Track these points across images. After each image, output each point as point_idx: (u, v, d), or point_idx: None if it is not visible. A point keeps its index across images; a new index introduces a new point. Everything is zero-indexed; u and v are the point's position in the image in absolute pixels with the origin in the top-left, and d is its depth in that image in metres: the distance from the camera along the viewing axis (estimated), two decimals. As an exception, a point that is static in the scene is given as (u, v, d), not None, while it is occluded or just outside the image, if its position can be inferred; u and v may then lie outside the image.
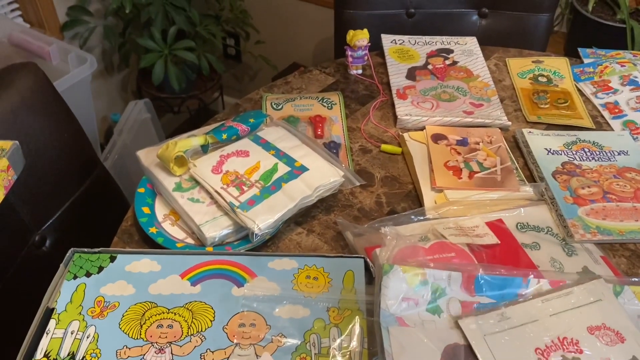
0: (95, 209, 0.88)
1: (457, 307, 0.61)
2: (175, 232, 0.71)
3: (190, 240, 0.70)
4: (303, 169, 0.73)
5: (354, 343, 0.58)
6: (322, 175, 0.72)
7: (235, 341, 0.58)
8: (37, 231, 0.80)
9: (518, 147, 0.88)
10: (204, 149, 0.76)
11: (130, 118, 1.60)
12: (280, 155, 0.75)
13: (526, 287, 0.62)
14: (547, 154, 0.85)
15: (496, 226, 0.73)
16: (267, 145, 0.77)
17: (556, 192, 0.78)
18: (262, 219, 0.67)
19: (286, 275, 0.64)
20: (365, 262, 0.65)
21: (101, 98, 1.84)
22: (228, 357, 0.56)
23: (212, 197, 0.71)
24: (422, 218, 0.74)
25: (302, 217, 0.74)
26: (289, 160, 0.74)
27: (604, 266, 0.70)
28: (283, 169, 0.73)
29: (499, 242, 0.71)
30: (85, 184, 0.87)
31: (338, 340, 0.58)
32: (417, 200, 0.78)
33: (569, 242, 0.73)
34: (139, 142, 1.61)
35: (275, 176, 0.72)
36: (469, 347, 0.57)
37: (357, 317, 0.60)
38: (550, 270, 0.69)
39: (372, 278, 0.64)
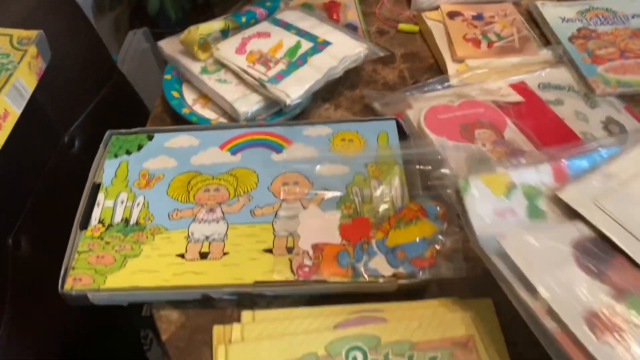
0: (119, 114, 0.89)
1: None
2: (207, 114, 0.72)
3: (222, 120, 0.71)
4: (326, 43, 0.75)
5: (395, 190, 0.61)
6: (346, 48, 0.74)
7: (281, 198, 0.60)
8: (65, 132, 0.81)
9: (532, 19, 0.89)
10: (224, 34, 0.77)
11: (131, 48, 1.59)
12: (302, 33, 0.76)
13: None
14: (562, 22, 0.86)
15: (519, 87, 0.76)
16: (287, 26, 0.78)
17: (574, 54, 0.80)
18: (292, 90, 0.69)
19: (322, 141, 0.66)
20: (398, 122, 0.67)
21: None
22: (277, 211, 0.59)
23: (238, 78, 0.73)
24: (446, 85, 0.76)
25: (328, 93, 0.76)
26: (311, 37, 0.76)
27: (627, 115, 0.73)
28: (306, 45, 0.74)
29: (524, 99, 0.73)
30: (105, 88, 0.88)
31: (379, 189, 0.61)
32: (439, 73, 0.80)
33: (591, 96, 0.75)
34: (142, 72, 1.61)
35: (300, 52, 0.74)
36: (597, 234, 0.48)
37: (394, 168, 0.62)
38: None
39: (404, 136, 0.66)
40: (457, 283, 0.55)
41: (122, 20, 1.93)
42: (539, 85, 0.76)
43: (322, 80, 0.71)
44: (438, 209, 0.57)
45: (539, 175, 0.53)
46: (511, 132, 0.66)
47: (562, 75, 0.78)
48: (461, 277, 0.55)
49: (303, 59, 0.72)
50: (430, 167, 0.62)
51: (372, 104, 0.73)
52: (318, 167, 0.63)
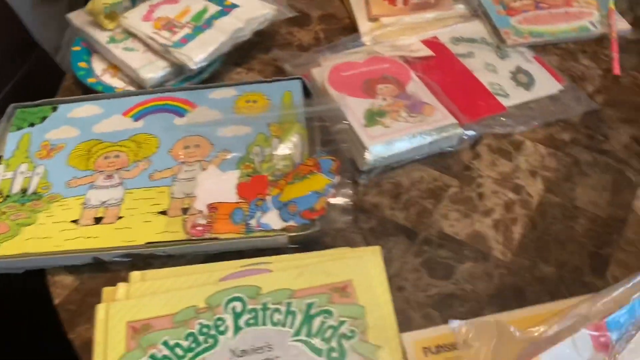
0: (43, 91, 0.88)
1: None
2: (116, 82, 0.72)
3: (130, 88, 0.71)
4: (233, 6, 0.74)
5: (295, 147, 0.61)
6: (253, 9, 0.73)
7: (180, 160, 0.61)
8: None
9: (453, -25, 0.89)
10: (133, 2, 0.76)
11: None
12: (209, -3, 0.76)
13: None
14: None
15: (431, 42, 0.76)
16: (196, -9, 0.77)
17: (489, 7, 0.80)
18: (196, 53, 0.68)
19: (226, 103, 0.66)
20: (303, 82, 0.67)
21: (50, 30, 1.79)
22: (176, 174, 0.59)
23: (146, 46, 0.72)
24: (359, 43, 0.76)
25: (241, 57, 0.76)
26: (219, 1, 0.75)
27: (537, 64, 0.73)
28: (213, 8, 0.74)
29: (434, 54, 0.73)
30: (25, 65, 0.87)
31: (280, 148, 0.61)
32: (354, 33, 0.80)
33: (502, 48, 0.75)
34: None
35: (206, 16, 0.73)
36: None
37: (296, 126, 0.63)
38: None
39: (309, 95, 0.66)
40: (351, 235, 0.56)
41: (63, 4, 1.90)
42: (451, 40, 0.77)
43: (228, 42, 0.70)
44: (332, 162, 0.57)
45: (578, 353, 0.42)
46: (414, 85, 0.66)
47: (475, 28, 0.79)
48: (353, 228, 0.56)
49: (209, 23, 0.72)
50: (329, 123, 0.62)
51: (284, 65, 0.73)
52: (220, 130, 0.63)
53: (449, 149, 0.63)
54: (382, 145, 0.59)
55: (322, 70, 0.68)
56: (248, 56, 0.76)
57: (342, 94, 0.64)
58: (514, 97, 0.69)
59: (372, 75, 0.67)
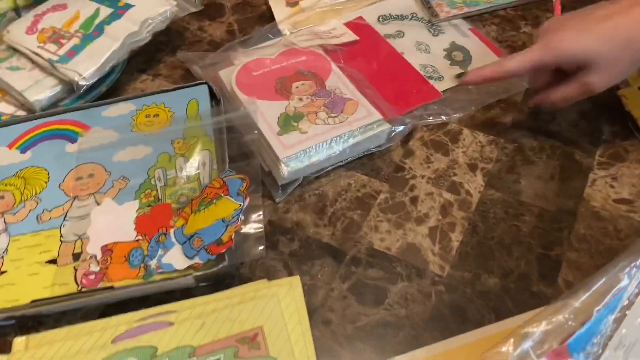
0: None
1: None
2: (4, 107, 0.64)
3: (21, 113, 0.63)
4: (128, 6, 0.65)
5: (201, 166, 0.54)
6: (149, 8, 0.65)
7: (72, 195, 0.53)
8: None
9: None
10: (18, 13, 0.67)
11: None
12: (101, -2, 0.67)
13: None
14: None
15: (355, 24, 0.68)
16: (86, -8, 0.69)
17: None
18: (85, 67, 0.60)
19: (124, 120, 0.58)
20: (209, 87, 0.60)
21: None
22: (67, 212, 0.52)
23: (33, 62, 0.64)
24: (276, 33, 0.68)
25: (145, 62, 0.68)
26: (112, 3, 0.66)
27: (473, 37, 0.66)
28: (105, 11, 0.65)
29: (358, 38, 0.66)
30: None
31: (185, 168, 0.54)
32: (272, 21, 0.72)
33: (435, 22, 0.68)
34: None
35: (97, 21, 0.65)
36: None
37: (203, 140, 0.55)
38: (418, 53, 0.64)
39: (218, 102, 0.59)
40: (271, 262, 0.49)
41: None
42: (378, 19, 0.69)
43: (122, 50, 0.62)
44: (241, 182, 0.50)
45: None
46: (335, 79, 0.59)
47: (404, 3, 0.71)
48: (273, 254, 0.49)
49: (100, 29, 0.63)
50: (239, 134, 0.55)
51: (191, 67, 0.65)
52: (117, 154, 0.55)
53: (377, 149, 0.56)
54: (298, 154, 0.52)
55: (230, 71, 0.60)
56: (153, 60, 0.68)
57: (252, 98, 0.57)
58: (449, 78, 0.62)
59: (286, 72, 0.60)
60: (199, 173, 0.53)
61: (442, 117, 0.58)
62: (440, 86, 0.61)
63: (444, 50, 0.65)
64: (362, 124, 0.54)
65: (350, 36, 0.65)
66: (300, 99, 0.57)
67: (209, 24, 0.72)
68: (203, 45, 0.69)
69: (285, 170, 0.51)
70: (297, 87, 0.58)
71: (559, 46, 0.49)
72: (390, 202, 0.53)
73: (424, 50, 0.65)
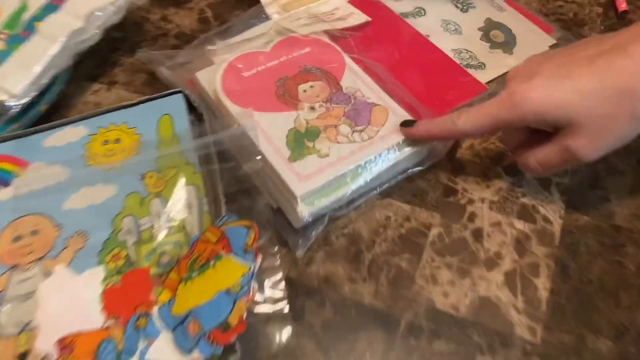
0: None
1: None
2: None
3: None
4: (66, -6, 0.50)
5: (187, 209, 0.39)
6: (95, -5, 0.49)
7: (9, 263, 0.38)
8: None
9: None
10: None
11: None
12: (29, -14, 0.51)
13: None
14: None
15: (362, 2, 0.54)
16: (9, -21, 0.52)
17: None
18: (15, 82, 0.45)
19: (74, 150, 0.43)
20: (185, 95, 0.45)
21: None
22: (4, 290, 0.37)
23: (-57, 76, 0.47)
24: (263, 19, 0.53)
25: (97, 67, 0.52)
26: (43, -10, 0.50)
27: (511, 11, 0.53)
28: (35, 3, 0.49)
29: (370, 19, 0.51)
30: None
31: (164, 214, 0.39)
32: (255, 1, 0.57)
33: (461, -9, 0.55)
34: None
35: (26, 17, 0.49)
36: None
37: (186, 172, 0.41)
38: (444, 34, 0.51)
39: (200, 115, 0.44)
40: (297, 342, 0.36)
41: None
42: None
43: (64, 54, 0.47)
44: (248, 231, 0.36)
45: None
46: (352, 76, 0.45)
47: None
48: (300, 326, 0.36)
49: (30, 28, 0.48)
50: (234, 162, 0.41)
51: (157, 69, 0.50)
52: (68, 199, 0.41)
53: (418, 168, 0.43)
54: (321, 188, 0.38)
55: (211, 73, 0.46)
56: (107, 63, 0.53)
57: (248, 109, 0.42)
58: (493, 65, 0.49)
59: (288, 71, 0.46)
60: (184, 219, 0.39)
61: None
62: (483, 76, 0.48)
63: (479, 29, 0.52)
64: (398, 138, 0.41)
65: (360, 17, 0.51)
66: (312, 108, 0.43)
67: (174, 11, 0.57)
68: (169, 40, 0.54)
69: (306, 212, 0.38)
70: (305, 91, 0.44)
71: (524, 101, 0.35)
72: (447, 239, 0.40)
73: (453, 31, 0.51)
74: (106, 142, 0.43)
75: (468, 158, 0.44)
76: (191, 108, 0.45)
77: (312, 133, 0.41)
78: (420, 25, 0.52)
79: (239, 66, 0.45)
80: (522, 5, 0.54)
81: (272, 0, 0.53)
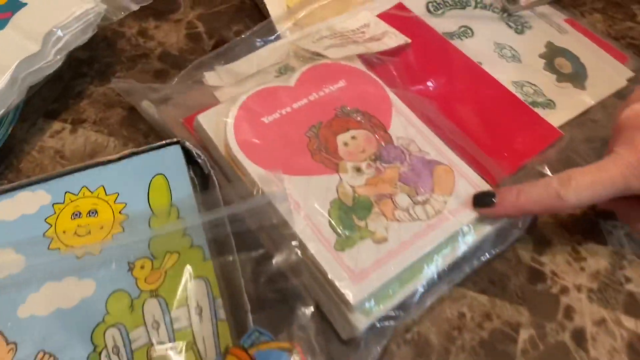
0: None
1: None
2: None
3: None
4: (15, 5, 0.37)
5: (196, 314, 0.29)
6: (54, 9, 0.37)
7: (-61, 409, 0.27)
8: None
9: None
10: None
11: None
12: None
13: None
14: None
15: (396, 17, 0.44)
16: None
17: None
18: (-57, 129, 0.32)
19: (30, 226, 0.32)
20: (185, 148, 0.34)
21: None
22: None
23: None
24: (271, 39, 0.42)
25: (57, 100, 0.40)
26: (-18, -2, 0.38)
27: (575, 33, 0.45)
28: (-29, 16, 0.37)
29: (410, 40, 0.41)
30: None
31: (164, 324, 0.29)
32: (257, 14, 0.46)
33: (513, 11, 0.45)
34: None
35: (-42, 35, 0.36)
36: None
37: (191, 259, 0.30)
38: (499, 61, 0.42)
39: (205, 177, 0.33)
40: None
41: None
42: (427, 7, 0.45)
43: (14, 88, 0.34)
44: (287, 357, 0.26)
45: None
46: (401, 120, 0.35)
47: None
48: None
49: (-36, 51, 0.35)
50: (260, 248, 0.30)
51: (138, 105, 0.38)
52: (25, 302, 0.29)
53: (498, 249, 0.33)
54: (382, 289, 0.28)
55: (218, 117, 0.35)
56: (70, 93, 0.41)
57: (276, 171, 0.32)
58: (564, 103, 0.40)
59: (321, 113, 0.35)
60: (192, 329, 0.28)
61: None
62: (554, 118, 0.39)
63: (541, 56, 0.43)
64: (472, 214, 0.31)
65: (398, 37, 0.41)
66: (358, 169, 0.32)
67: (155, 25, 0.45)
68: (152, 63, 0.43)
69: (364, 322, 0.28)
70: (345, 145, 0.33)
71: None
72: (542, 345, 0.31)
73: (510, 58, 0.42)
74: (77, 215, 0.32)
75: (552, 229, 0.35)
76: (189, 161, 0.34)
77: (363, 206, 0.31)
78: (469, 48, 0.42)
79: (256, 108, 0.34)
80: (585, 25, 0.45)
81: (285, 14, 0.42)
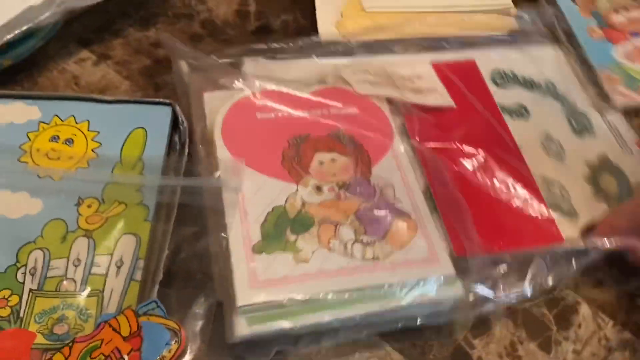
0: None
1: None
2: None
3: None
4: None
5: (116, 266, 0.30)
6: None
7: None
8: None
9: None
10: None
11: None
12: None
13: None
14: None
15: (459, 68, 0.43)
16: None
17: (574, 21, 0.48)
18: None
19: (14, 135, 0.34)
20: (174, 112, 0.35)
21: None
22: None
23: None
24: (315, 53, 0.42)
25: (94, 32, 0.44)
26: None
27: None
28: None
29: (455, 106, 0.40)
30: None
31: (84, 264, 0.30)
32: (311, 11, 0.46)
33: (607, 109, 0.43)
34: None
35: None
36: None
37: (134, 215, 0.31)
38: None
39: (183, 145, 0.35)
40: None
41: None
42: (492, 76, 0.44)
43: (50, 7, 0.38)
44: (169, 337, 0.27)
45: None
46: (392, 163, 0.36)
47: (541, 54, 0.46)
48: None
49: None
50: (197, 228, 0.31)
51: (177, 62, 0.40)
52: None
53: (432, 322, 0.32)
54: (274, 304, 0.29)
55: (221, 100, 0.36)
56: (109, 29, 0.44)
57: (239, 160, 0.32)
58: (588, 218, 0.37)
59: (315, 128, 0.36)
60: (105, 279, 0.30)
61: (551, 279, 0.34)
62: (568, 227, 0.37)
63: (588, 166, 0.40)
64: (418, 274, 0.30)
65: (444, 98, 0.41)
66: (319, 188, 0.32)
67: (211, -10, 0.47)
68: (192, 25, 0.46)
69: (245, 330, 0.28)
70: (321, 164, 0.34)
71: None
72: None
73: (554, 154, 0.40)
74: (55, 139, 0.35)
75: (501, 318, 0.33)
76: (175, 129, 0.35)
77: (302, 223, 0.32)
78: (517, 129, 0.41)
79: (258, 103, 0.35)
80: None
81: (335, 30, 0.43)
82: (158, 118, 0.37)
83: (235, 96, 0.36)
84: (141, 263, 0.32)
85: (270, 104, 0.36)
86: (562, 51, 0.47)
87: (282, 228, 0.31)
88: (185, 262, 0.31)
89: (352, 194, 0.33)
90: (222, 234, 0.30)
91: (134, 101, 0.37)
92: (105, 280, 0.31)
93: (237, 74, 0.41)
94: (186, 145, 0.35)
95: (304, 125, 0.36)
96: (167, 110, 0.37)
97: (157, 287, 0.30)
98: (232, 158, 0.33)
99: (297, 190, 0.33)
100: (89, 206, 0.34)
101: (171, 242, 0.32)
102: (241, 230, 0.31)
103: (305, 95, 0.38)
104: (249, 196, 0.32)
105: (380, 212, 0.33)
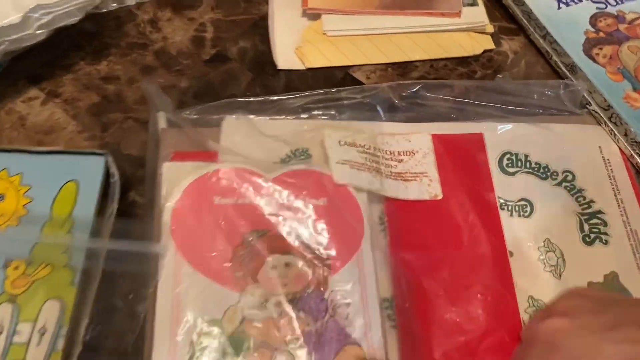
0: None
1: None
2: None
3: None
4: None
5: (38, 334, 0.30)
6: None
7: None
8: None
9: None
10: None
11: None
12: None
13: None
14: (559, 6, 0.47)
15: (461, 146, 0.39)
16: None
17: (606, 88, 0.42)
18: None
19: None
20: (107, 164, 0.34)
21: None
22: None
23: None
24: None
25: (44, 66, 0.43)
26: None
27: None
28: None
29: (440, 197, 0.37)
30: None
31: (5, 332, 0.30)
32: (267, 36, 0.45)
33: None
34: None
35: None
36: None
37: (60, 277, 0.31)
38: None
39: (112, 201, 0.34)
40: None
41: None
42: (498, 160, 0.40)
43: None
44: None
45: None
46: (352, 272, 0.33)
47: (563, 133, 0.41)
48: None
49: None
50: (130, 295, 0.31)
51: (154, 116, 0.39)
52: None
53: None
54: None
55: (179, 173, 0.34)
56: (60, 63, 0.43)
57: (180, 257, 0.31)
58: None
59: (275, 225, 0.34)
60: (26, 348, 0.30)
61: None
62: None
63: (591, 285, 0.35)
64: None
65: (431, 189, 0.37)
66: (264, 302, 0.31)
67: (169, 17, 0.46)
68: (145, 56, 0.45)
69: None
70: (273, 268, 0.33)
71: None
72: None
73: (551, 266, 0.36)
74: (-22, 193, 0.34)
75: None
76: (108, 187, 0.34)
77: (237, 344, 0.30)
78: (513, 229, 0.37)
79: (220, 183, 0.35)
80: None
81: (291, 48, 0.41)
82: (91, 169, 0.36)
83: (196, 173, 0.34)
84: (64, 330, 0.31)
85: (232, 185, 0.34)
86: (591, 130, 0.42)
87: (214, 348, 0.29)
88: (104, 336, 0.30)
89: (300, 312, 0.31)
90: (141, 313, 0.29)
91: (68, 152, 0.36)
92: (26, 350, 0.31)
93: (212, 135, 0.38)
94: (115, 201, 0.34)
95: (263, 219, 0.33)
96: (101, 161, 0.36)
97: (75, 360, 0.30)
98: (175, 255, 0.31)
99: (238, 301, 0.31)
100: (16, 268, 0.33)
101: (94, 310, 0.31)
102: (168, 335, 0.29)
103: (273, 175, 0.35)
104: (186, 301, 0.30)
105: (327, 337, 0.30)
